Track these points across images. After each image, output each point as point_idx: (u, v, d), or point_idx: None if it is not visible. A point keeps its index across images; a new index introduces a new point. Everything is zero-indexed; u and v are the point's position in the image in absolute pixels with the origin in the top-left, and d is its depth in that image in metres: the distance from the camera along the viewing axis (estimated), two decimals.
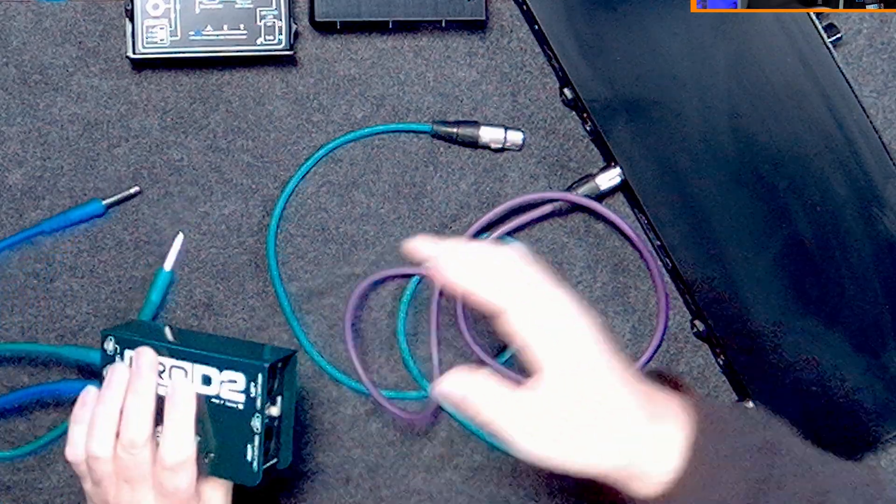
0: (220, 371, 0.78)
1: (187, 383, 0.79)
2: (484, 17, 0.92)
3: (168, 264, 0.92)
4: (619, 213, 0.94)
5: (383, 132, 0.94)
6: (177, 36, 0.89)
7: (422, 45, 0.94)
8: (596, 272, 0.96)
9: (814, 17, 0.90)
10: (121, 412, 0.78)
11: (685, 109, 0.91)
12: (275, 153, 0.94)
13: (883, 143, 0.91)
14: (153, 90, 0.93)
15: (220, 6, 0.89)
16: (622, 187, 0.93)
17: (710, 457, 0.72)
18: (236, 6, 0.89)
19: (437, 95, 0.95)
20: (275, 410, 0.80)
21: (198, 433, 0.78)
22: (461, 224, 0.95)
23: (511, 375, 0.94)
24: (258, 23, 0.89)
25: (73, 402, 0.81)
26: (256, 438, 0.78)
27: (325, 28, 0.93)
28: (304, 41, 0.94)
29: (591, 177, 0.93)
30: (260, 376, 0.77)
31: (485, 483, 0.96)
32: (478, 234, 0.94)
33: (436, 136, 0.94)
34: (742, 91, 0.91)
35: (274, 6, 0.89)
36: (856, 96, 0.91)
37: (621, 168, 0.91)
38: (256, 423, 0.78)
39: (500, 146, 0.94)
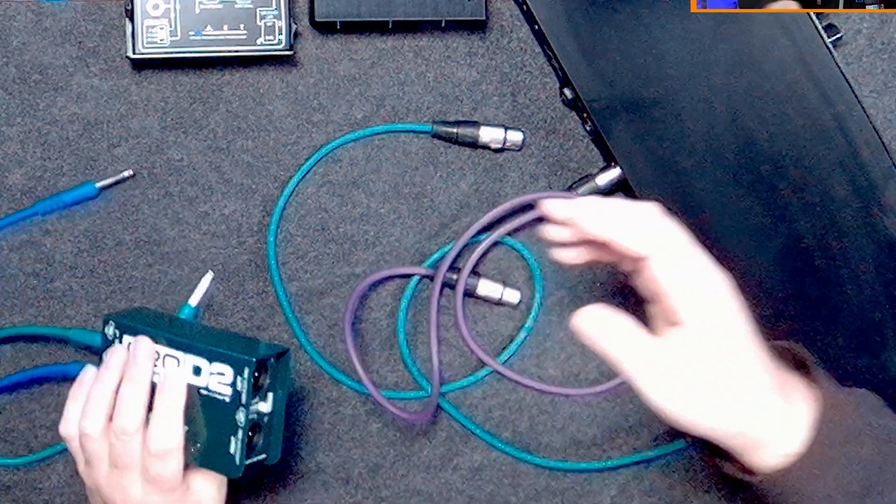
0: (210, 363, 0.79)
1: (178, 373, 0.79)
2: (484, 17, 0.92)
3: (194, 300, 0.92)
4: None
5: (383, 132, 0.94)
6: (177, 36, 0.89)
7: (422, 45, 0.94)
8: (596, 272, 0.96)
9: (814, 17, 0.90)
10: (116, 398, 0.79)
11: (685, 109, 0.91)
12: (275, 153, 0.94)
13: (883, 143, 0.91)
14: (153, 90, 0.93)
15: (220, 6, 0.89)
16: (622, 187, 0.93)
17: (830, 439, 0.73)
18: (236, 6, 0.89)
19: (437, 95, 0.95)
20: (264, 406, 0.80)
21: (187, 423, 0.79)
22: (461, 224, 0.95)
23: (511, 375, 0.94)
24: (258, 23, 0.89)
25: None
26: (240, 432, 0.78)
27: (325, 28, 0.93)
28: (304, 41, 0.94)
29: (591, 177, 0.93)
30: (246, 370, 0.78)
31: (485, 483, 0.96)
32: (478, 234, 0.94)
33: (436, 136, 0.94)
34: (742, 91, 0.91)
35: (274, 6, 0.89)
36: (856, 96, 0.90)
37: (621, 168, 0.91)
38: (241, 417, 0.78)
39: (500, 146, 0.94)
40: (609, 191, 0.93)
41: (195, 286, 0.93)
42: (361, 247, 0.95)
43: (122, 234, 0.93)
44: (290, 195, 0.94)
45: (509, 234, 0.94)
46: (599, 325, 0.74)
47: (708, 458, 0.79)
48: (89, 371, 0.82)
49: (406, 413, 0.92)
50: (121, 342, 0.82)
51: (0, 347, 0.93)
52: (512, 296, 0.94)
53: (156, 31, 0.88)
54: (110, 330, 0.82)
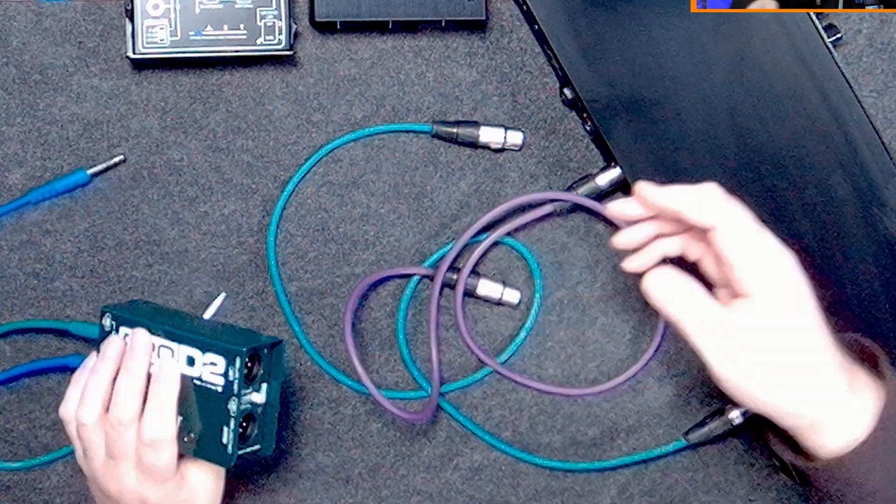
0: (203, 353, 0.79)
1: (173, 363, 0.80)
2: (484, 17, 0.92)
3: (207, 316, 0.92)
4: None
5: (383, 132, 0.94)
6: (177, 36, 0.89)
7: (422, 45, 0.94)
8: (596, 272, 0.96)
9: (814, 17, 0.90)
10: (112, 388, 0.80)
11: (685, 109, 0.91)
12: (275, 153, 0.94)
13: (883, 143, 0.91)
14: (153, 90, 0.93)
15: (220, 6, 0.89)
16: (622, 187, 0.93)
17: (893, 431, 0.72)
18: (236, 6, 0.89)
19: (437, 95, 0.95)
20: (258, 397, 0.80)
21: (181, 413, 0.80)
22: (461, 224, 0.95)
23: (511, 376, 0.94)
24: (258, 23, 0.89)
25: None
26: (232, 421, 0.79)
27: (325, 28, 0.93)
28: (304, 41, 0.94)
29: (591, 177, 0.93)
30: (238, 360, 0.78)
31: (485, 483, 0.96)
32: (478, 234, 0.94)
33: (436, 136, 0.94)
34: (742, 91, 0.91)
35: (274, 6, 0.89)
36: (856, 96, 0.90)
37: (621, 168, 0.91)
38: (233, 406, 0.78)
39: (500, 146, 0.94)
40: (609, 191, 0.93)
41: (195, 286, 0.93)
42: (361, 247, 0.95)
43: (122, 234, 0.93)
44: (290, 195, 0.94)
45: (509, 234, 0.94)
46: (669, 287, 0.76)
47: (768, 440, 0.79)
48: (93, 358, 0.82)
49: (406, 413, 0.92)
50: (117, 333, 0.82)
51: (1, 342, 0.93)
52: (512, 296, 0.94)
53: (156, 31, 0.88)
54: (107, 321, 0.83)
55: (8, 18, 0.92)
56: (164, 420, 0.78)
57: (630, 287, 0.96)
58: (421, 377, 0.95)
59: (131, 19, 0.89)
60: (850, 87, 0.90)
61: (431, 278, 0.94)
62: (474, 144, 0.94)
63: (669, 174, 0.91)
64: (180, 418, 0.80)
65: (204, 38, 0.89)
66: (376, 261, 0.95)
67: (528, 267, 0.95)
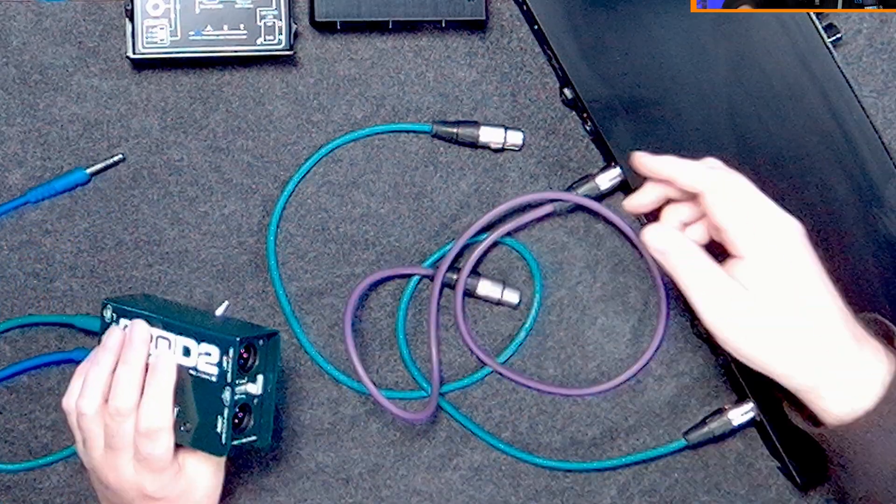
0: (198, 343, 0.80)
1: (169, 354, 0.80)
2: (484, 17, 0.92)
3: None
4: (619, 213, 0.94)
5: (383, 132, 0.94)
6: (177, 36, 0.89)
7: (422, 45, 0.94)
8: (596, 272, 0.96)
9: (814, 17, 0.90)
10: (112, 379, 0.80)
11: (685, 109, 0.91)
12: (275, 153, 0.94)
13: (883, 143, 0.91)
14: (153, 90, 0.93)
15: (220, 6, 0.89)
16: (622, 187, 0.93)
17: None
18: (236, 6, 0.89)
19: (437, 95, 0.95)
20: (254, 388, 0.81)
21: (178, 403, 0.80)
22: (461, 224, 0.95)
23: (511, 376, 0.94)
24: (258, 23, 0.89)
25: None
26: (226, 411, 0.79)
27: (325, 28, 0.93)
28: (304, 41, 0.94)
29: (591, 177, 0.93)
30: (231, 350, 0.78)
31: (485, 483, 0.96)
32: (478, 234, 0.94)
33: (436, 136, 0.94)
34: (742, 91, 0.91)
35: (274, 6, 0.89)
36: (856, 96, 0.91)
37: (621, 168, 0.91)
38: (227, 396, 0.79)
39: (500, 146, 0.94)
40: (609, 191, 0.93)
41: (195, 286, 0.93)
42: (361, 247, 0.95)
43: (122, 233, 0.93)
44: (290, 195, 0.94)
45: (509, 234, 0.94)
46: (665, 241, 0.78)
47: (780, 402, 0.80)
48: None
49: (406, 413, 0.92)
50: (118, 325, 0.83)
51: (1, 343, 0.93)
52: (512, 296, 0.94)
53: (156, 31, 0.88)
54: (108, 313, 0.84)
55: (8, 18, 0.92)
56: (161, 410, 0.79)
57: (630, 287, 0.96)
58: (421, 377, 0.95)
59: (131, 19, 0.89)
60: (850, 87, 0.90)
61: (431, 278, 0.94)
62: (474, 144, 0.94)
63: None
64: (177, 408, 0.80)
65: (204, 38, 0.89)
66: (376, 261, 0.95)
67: (528, 267, 0.95)
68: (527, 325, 0.95)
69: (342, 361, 0.95)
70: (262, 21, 0.89)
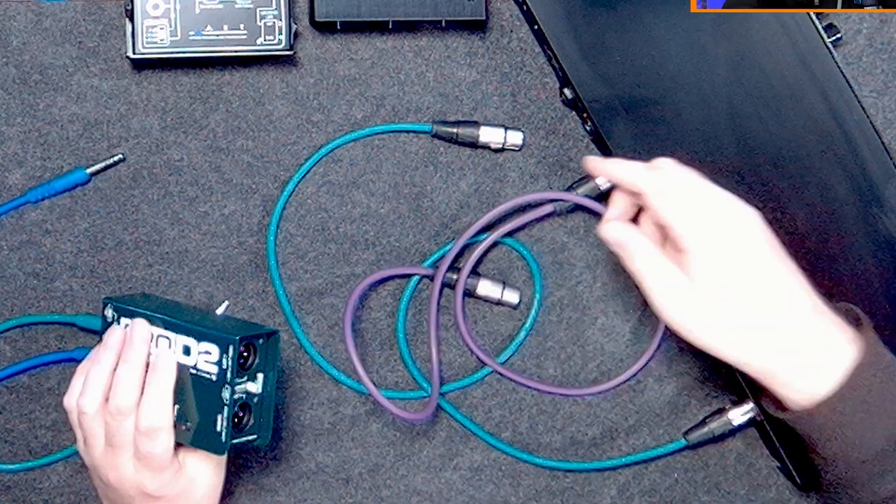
0: (198, 342, 0.80)
1: (169, 353, 0.81)
2: (484, 17, 0.92)
3: None
4: None
5: (383, 132, 0.94)
6: (177, 36, 0.89)
7: (422, 45, 0.94)
8: (596, 272, 0.96)
9: (814, 17, 0.90)
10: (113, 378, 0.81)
11: (685, 109, 0.91)
12: (275, 153, 0.94)
13: (883, 143, 0.91)
14: (153, 90, 0.93)
15: (220, 6, 0.89)
16: None
17: (865, 389, 0.74)
18: (236, 6, 0.89)
19: (437, 95, 0.95)
20: (254, 387, 0.81)
21: (178, 402, 0.80)
22: (461, 224, 0.95)
23: (511, 376, 0.94)
24: (258, 23, 0.89)
25: None
26: (226, 410, 0.79)
27: (325, 28, 0.93)
28: (304, 41, 0.94)
29: (590, 177, 0.93)
30: (231, 348, 0.79)
31: (485, 483, 0.96)
32: (478, 234, 0.94)
33: (436, 136, 0.94)
34: (742, 91, 0.91)
35: (274, 6, 0.89)
36: (856, 96, 0.91)
37: None
38: (226, 395, 0.79)
39: (500, 146, 0.94)
40: (609, 191, 0.93)
41: (195, 286, 0.93)
42: (361, 247, 0.95)
43: (122, 233, 0.93)
44: (290, 195, 0.94)
45: (509, 234, 0.94)
46: (620, 236, 0.80)
47: (750, 390, 0.81)
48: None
49: (406, 413, 0.92)
50: (119, 324, 0.83)
51: (1, 343, 0.93)
52: (512, 296, 0.94)
53: (156, 31, 0.88)
54: (109, 312, 0.84)
55: (8, 18, 0.92)
56: (160, 409, 0.79)
57: (630, 287, 0.96)
58: (421, 377, 0.95)
59: (131, 19, 0.89)
60: (850, 87, 0.90)
61: (431, 278, 0.94)
62: (474, 144, 0.94)
63: None
64: (177, 407, 0.80)
65: (204, 38, 0.89)
66: (376, 261, 0.95)
67: (528, 267, 0.95)
68: (527, 325, 0.95)
69: (342, 361, 0.95)
70: (262, 21, 0.89)
